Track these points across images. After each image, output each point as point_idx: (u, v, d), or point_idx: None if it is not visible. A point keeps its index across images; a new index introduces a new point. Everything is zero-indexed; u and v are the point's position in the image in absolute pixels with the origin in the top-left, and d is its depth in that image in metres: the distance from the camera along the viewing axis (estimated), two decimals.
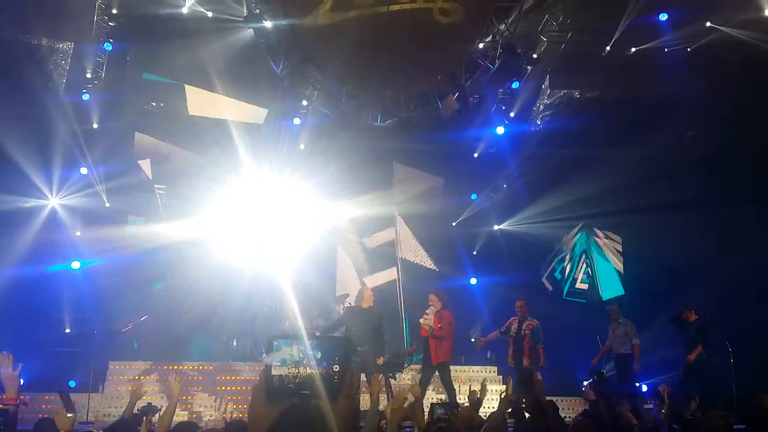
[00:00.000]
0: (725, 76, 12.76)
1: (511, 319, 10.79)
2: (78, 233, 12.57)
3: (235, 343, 12.70)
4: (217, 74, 11.80)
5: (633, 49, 13.01)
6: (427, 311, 10.22)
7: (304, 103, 13.08)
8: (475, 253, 15.20)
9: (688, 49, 12.87)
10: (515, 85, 13.39)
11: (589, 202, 13.70)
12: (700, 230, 13.36)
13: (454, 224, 15.21)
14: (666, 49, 12.91)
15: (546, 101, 14.19)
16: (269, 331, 9.70)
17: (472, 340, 12.83)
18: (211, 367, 11.55)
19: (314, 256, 13.07)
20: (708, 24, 12.48)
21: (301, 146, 13.49)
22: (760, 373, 11.44)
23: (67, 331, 12.15)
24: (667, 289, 13.41)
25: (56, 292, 12.16)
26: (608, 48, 12.77)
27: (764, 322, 12.38)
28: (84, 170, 12.40)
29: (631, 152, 13.48)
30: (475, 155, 14.84)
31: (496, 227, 15.30)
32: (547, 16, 12.71)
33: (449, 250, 14.68)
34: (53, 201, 12.37)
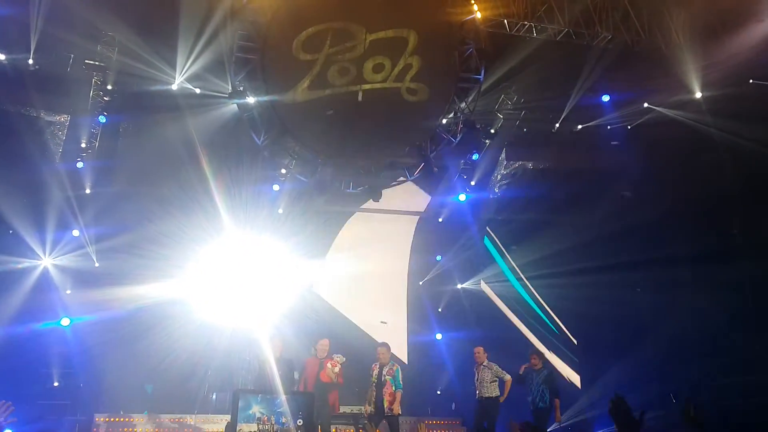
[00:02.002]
0: (662, 150, 13.41)
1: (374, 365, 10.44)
2: (68, 291, 12.58)
3: (214, 396, 12.73)
4: (203, 144, 12.11)
5: (579, 126, 13.70)
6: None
7: (283, 171, 13.41)
8: (440, 309, 15.47)
9: (629, 127, 13.57)
10: (475, 156, 13.92)
11: (542, 262, 14.06)
12: (645, 290, 13.72)
13: (420, 283, 15.52)
14: (609, 127, 13.60)
15: (503, 171, 14.70)
16: (240, 386, 9.80)
17: (438, 392, 13.01)
18: (191, 420, 11.58)
19: (292, 313, 13.22)
20: (645, 105, 13.19)
21: (280, 210, 13.75)
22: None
23: (55, 384, 12.08)
24: (618, 345, 13.76)
25: (45, 347, 12.12)
26: (557, 125, 13.45)
27: (708, 374, 12.74)
28: (76, 232, 12.50)
29: (581, 218, 13.99)
30: (440, 220, 15.24)
31: (459, 286, 15.62)
32: (503, 96, 13.39)
33: (417, 308, 14.92)
34: (46, 261, 12.44)
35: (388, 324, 13.91)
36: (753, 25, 11.55)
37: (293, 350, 11.14)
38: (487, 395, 10.81)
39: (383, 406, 9.96)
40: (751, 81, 12.20)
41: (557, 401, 10.97)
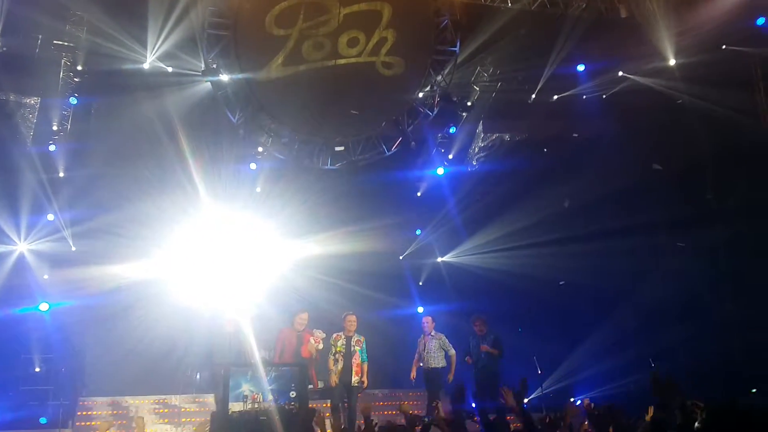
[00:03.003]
0: (637, 118, 13.35)
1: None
2: (46, 276, 12.31)
3: (198, 376, 12.56)
4: (179, 123, 11.80)
5: (555, 97, 13.53)
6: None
7: (260, 149, 13.16)
8: (420, 283, 15.39)
9: (604, 96, 13.45)
10: (452, 130, 13.69)
11: (521, 234, 13.96)
12: (621, 257, 13.73)
13: (401, 257, 15.40)
14: (584, 96, 13.47)
15: (480, 144, 14.54)
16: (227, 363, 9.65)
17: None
18: (176, 400, 11.41)
19: (274, 292, 13.06)
20: (620, 73, 13.09)
21: (258, 189, 13.51)
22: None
23: (37, 370, 11.85)
24: (597, 312, 13.80)
25: (25, 333, 11.86)
26: (533, 96, 13.26)
27: (683, 339, 12.83)
28: (51, 217, 12.21)
29: (557, 188, 13.89)
30: (419, 194, 15.11)
31: (439, 259, 15.53)
32: (478, 67, 13.18)
33: (398, 282, 14.83)
34: (21, 246, 12.14)
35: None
36: None
37: (275, 328, 10.98)
38: (433, 365, 10.68)
39: (351, 377, 9.84)
40: (723, 47, 12.13)
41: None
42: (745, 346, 12.46)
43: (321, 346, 10.05)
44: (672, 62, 12.46)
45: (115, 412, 11.07)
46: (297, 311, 10.42)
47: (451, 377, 10.69)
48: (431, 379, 10.74)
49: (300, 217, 13.46)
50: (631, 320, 13.33)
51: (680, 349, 12.91)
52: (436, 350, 10.73)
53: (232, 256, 13.14)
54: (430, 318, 11.13)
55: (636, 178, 13.62)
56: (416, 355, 11.02)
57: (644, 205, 13.88)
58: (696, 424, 3.95)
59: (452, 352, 10.75)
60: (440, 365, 10.69)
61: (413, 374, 11.01)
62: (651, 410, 5.08)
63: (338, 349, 9.99)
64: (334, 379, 9.89)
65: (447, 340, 10.85)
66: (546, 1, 11.87)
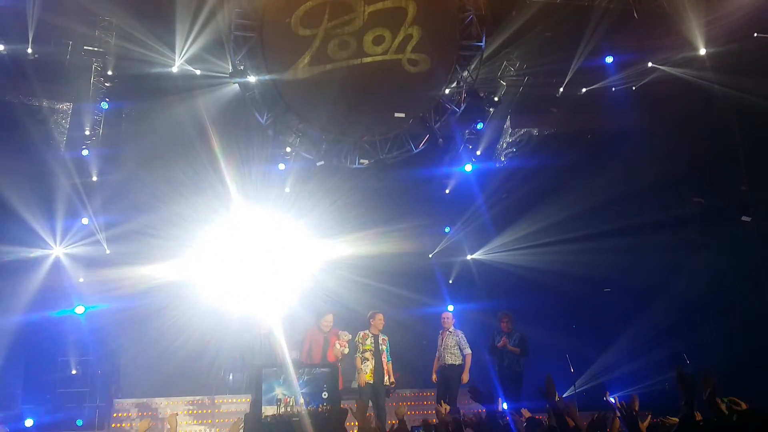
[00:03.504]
0: (667, 109, 13.12)
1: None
2: (81, 279, 12.45)
3: (230, 377, 12.62)
4: (209, 125, 11.86)
5: (584, 90, 13.30)
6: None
7: (288, 149, 13.18)
8: (450, 281, 15.28)
9: (633, 88, 13.22)
10: (480, 125, 13.54)
11: (550, 230, 13.78)
12: (653, 252, 13.50)
13: (430, 256, 15.31)
14: (613, 89, 13.23)
15: (508, 139, 14.35)
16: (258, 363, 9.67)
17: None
18: (209, 401, 11.45)
19: (304, 292, 13.07)
20: (650, 64, 12.85)
21: (287, 189, 13.54)
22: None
23: (74, 372, 11.99)
24: (629, 309, 13.59)
25: (62, 336, 12.03)
26: (561, 89, 13.03)
27: (719, 335, 12.56)
28: (85, 220, 12.34)
29: (587, 182, 13.68)
30: (447, 191, 15.01)
31: (469, 257, 15.41)
32: (505, 62, 13.01)
33: (427, 281, 14.74)
34: (57, 250, 12.28)
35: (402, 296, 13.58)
36: None
37: (305, 328, 10.97)
38: (450, 362, 10.47)
39: (382, 377, 9.80)
40: (755, 35, 11.86)
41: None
42: None
43: (347, 350, 9.95)
44: (702, 52, 12.18)
45: (148, 414, 11.13)
46: (323, 313, 10.35)
47: (465, 377, 10.45)
48: (447, 376, 10.54)
49: (329, 218, 13.47)
50: (665, 316, 13.08)
51: (715, 345, 12.66)
52: (452, 347, 10.57)
53: (263, 256, 13.17)
54: (449, 314, 11.05)
55: (667, 170, 13.38)
56: (437, 353, 10.86)
57: (676, 198, 13.64)
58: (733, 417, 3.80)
59: (468, 351, 10.53)
60: (457, 362, 10.49)
61: (434, 376, 10.80)
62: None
63: (367, 347, 9.92)
64: (364, 379, 9.79)
65: (464, 338, 10.65)
66: None
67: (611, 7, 11.81)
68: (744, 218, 12.65)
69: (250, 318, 11.00)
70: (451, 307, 14.67)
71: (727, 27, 11.77)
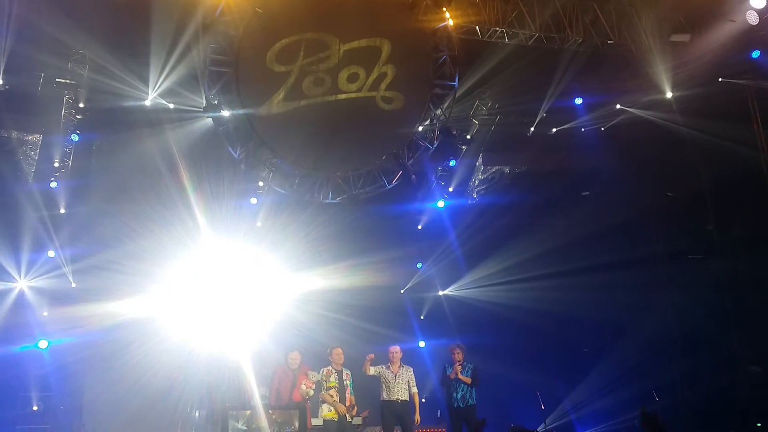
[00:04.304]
0: (635, 150, 13.36)
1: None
2: (45, 313, 12.18)
3: (197, 414, 12.35)
4: (180, 159, 11.78)
5: (554, 129, 13.55)
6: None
7: (261, 183, 13.13)
8: (422, 317, 15.23)
9: (602, 129, 13.47)
10: (452, 163, 13.65)
11: (521, 267, 13.87)
12: (623, 289, 13.63)
13: (402, 291, 15.27)
14: (583, 129, 13.48)
15: (480, 177, 14.49)
16: (225, 402, 9.49)
17: (422, 400, 12.73)
18: None
19: (275, 327, 12.91)
20: (618, 106, 13.13)
21: (258, 224, 13.45)
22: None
23: (35, 408, 11.67)
24: (599, 346, 13.65)
25: (23, 371, 11.72)
26: (532, 129, 13.27)
27: (688, 373, 12.67)
28: (51, 253, 12.12)
29: (558, 220, 13.85)
30: (419, 227, 15.04)
31: (440, 293, 15.39)
32: (477, 101, 13.22)
33: (399, 316, 14.67)
34: (21, 283, 12.05)
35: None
36: (720, 24, 11.55)
37: (275, 363, 10.81)
38: (403, 398, 9.96)
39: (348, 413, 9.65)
40: (720, 79, 12.19)
41: None
42: (748, 379, 12.30)
43: (312, 392, 9.74)
44: (669, 95, 12.51)
45: None
46: (289, 350, 10.20)
47: (418, 417, 10.10)
48: (399, 412, 10.02)
49: (301, 251, 13.38)
50: (634, 354, 13.18)
51: (683, 383, 12.77)
52: (404, 383, 10.06)
53: (233, 291, 13.01)
54: (398, 347, 10.47)
55: (636, 210, 13.58)
56: (383, 385, 10.19)
57: (645, 237, 13.82)
58: None
59: (415, 390, 10.12)
60: (406, 398, 10.02)
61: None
62: None
63: (331, 383, 9.75)
64: (329, 416, 9.63)
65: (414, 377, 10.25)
66: (542, 37, 11.90)
67: (580, 50, 12.07)
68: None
69: (219, 354, 10.82)
70: (422, 343, 14.65)
71: (693, 71, 12.11)
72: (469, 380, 10.34)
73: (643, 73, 12.33)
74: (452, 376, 10.38)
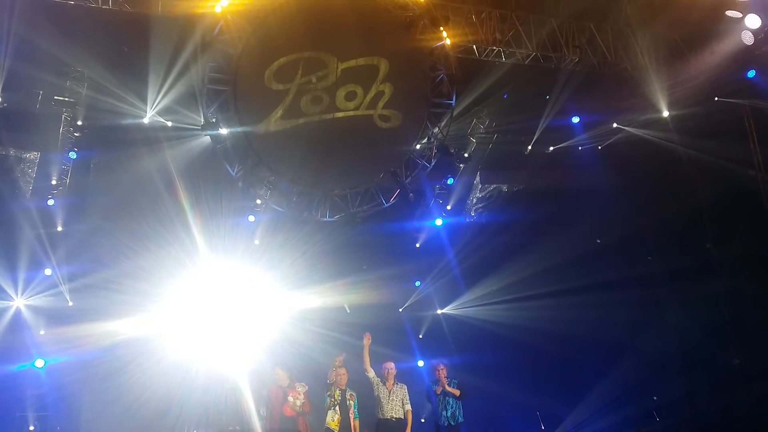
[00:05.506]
0: (633, 169, 13.41)
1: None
2: (42, 332, 12.09)
3: None
4: (177, 177, 11.78)
5: (551, 148, 13.63)
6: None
7: (258, 201, 13.12)
8: (420, 336, 15.15)
9: (599, 147, 13.53)
10: (450, 181, 13.71)
11: (520, 285, 13.83)
12: (622, 308, 13.59)
13: (400, 310, 15.21)
14: (580, 147, 13.55)
15: (478, 195, 14.54)
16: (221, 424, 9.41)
17: (422, 420, 12.64)
18: None
19: (272, 345, 12.83)
20: (615, 125, 13.20)
21: (256, 241, 13.42)
22: None
23: (31, 429, 11.55)
24: (599, 365, 13.58)
25: (20, 390, 11.59)
26: (530, 147, 13.36)
27: (689, 392, 12.60)
28: (48, 271, 12.05)
29: (555, 238, 13.82)
30: (417, 245, 15.01)
31: (439, 311, 15.34)
32: (475, 120, 13.30)
33: (397, 334, 14.59)
34: (18, 302, 11.94)
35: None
36: (716, 44, 11.65)
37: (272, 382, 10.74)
38: (398, 416, 9.89)
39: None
40: (716, 98, 12.27)
41: None
42: (748, 398, 12.23)
43: (299, 401, 9.76)
44: (665, 114, 12.62)
45: None
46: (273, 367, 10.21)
47: None
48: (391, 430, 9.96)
49: (299, 269, 13.32)
50: (634, 373, 13.12)
51: (683, 402, 12.70)
52: (398, 400, 9.98)
53: (230, 309, 12.95)
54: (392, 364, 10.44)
55: (634, 228, 13.59)
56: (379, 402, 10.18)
57: (643, 256, 13.81)
58: None
59: (408, 407, 10.02)
60: (401, 416, 9.93)
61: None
62: None
63: (336, 400, 9.64)
64: (330, 427, 9.49)
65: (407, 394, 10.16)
66: (539, 56, 12.02)
67: (577, 69, 12.17)
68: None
69: (216, 374, 10.76)
70: (421, 363, 14.54)
71: (690, 90, 12.21)
72: (457, 392, 10.30)
73: (640, 92, 12.45)
74: (439, 390, 10.32)
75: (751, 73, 12.02)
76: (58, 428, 11.74)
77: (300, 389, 9.84)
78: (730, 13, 11.26)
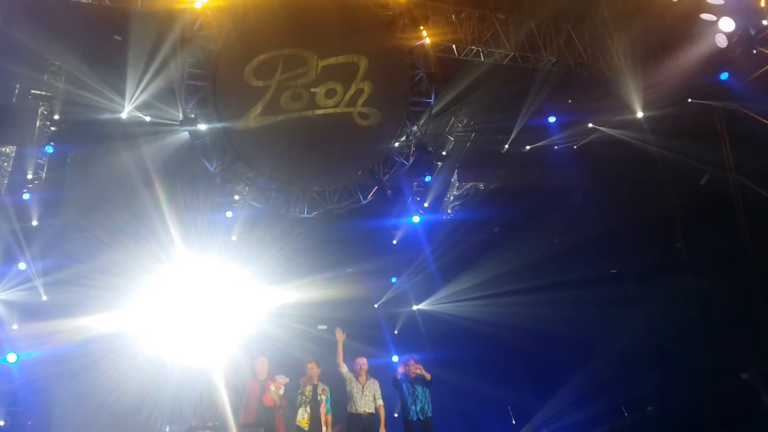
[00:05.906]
0: (607, 168, 13.60)
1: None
2: (15, 327, 11.98)
3: (167, 430, 12.22)
4: (155, 172, 11.71)
5: (528, 147, 13.77)
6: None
7: (236, 197, 13.11)
8: (396, 332, 15.26)
9: (575, 147, 13.71)
10: (428, 178, 13.73)
11: (495, 282, 13.97)
12: (594, 305, 13.80)
13: (376, 305, 15.30)
14: (556, 147, 13.71)
15: (455, 192, 14.66)
16: (193, 421, 9.42)
17: (395, 415, 12.76)
18: None
19: (247, 340, 12.84)
20: (590, 125, 13.38)
21: (234, 237, 13.40)
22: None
23: (1, 423, 11.45)
24: (570, 361, 13.78)
25: None
26: (507, 146, 13.49)
27: (656, 388, 12.85)
28: (22, 266, 11.94)
29: (530, 236, 14.02)
30: (394, 242, 15.10)
31: (414, 307, 15.45)
32: (453, 118, 13.39)
33: (373, 330, 14.67)
34: None
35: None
36: (690, 46, 11.85)
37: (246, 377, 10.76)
38: (369, 411, 9.97)
39: (319, 428, 9.55)
40: (689, 100, 12.50)
41: None
42: (715, 394, 12.52)
43: (282, 391, 9.75)
44: (640, 115, 12.80)
45: None
46: (256, 357, 10.18)
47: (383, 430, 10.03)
48: (365, 425, 9.98)
49: (275, 265, 13.34)
50: (605, 369, 13.34)
51: (653, 398, 12.93)
52: (370, 395, 10.05)
53: (206, 305, 12.92)
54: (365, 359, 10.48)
55: (607, 227, 13.79)
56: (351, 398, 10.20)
57: (616, 254, 14.02)
58: None
59: (380, 402, 10.08)
60: (372, 411, 9.99)
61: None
62: None
63: (306, 396, 9.71)
64: (300, 425, 9.55)
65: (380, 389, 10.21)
66: (517, 56, 12.13)
67: (554, 70, 12.31)
68: None
69: (191, 369, 10.75)
70: (396, 358, 14.63)
71: (664, 92, 12.40)
72: (429, 375, 10.20)
73: (615, 93, 12.61)
74: (412, 373, 10.20)
75: (724, 76, 12.24)
76: (29, 423, 11.66)
77: (281, 380, 9.85)
78: (704, 16, 11.44)
